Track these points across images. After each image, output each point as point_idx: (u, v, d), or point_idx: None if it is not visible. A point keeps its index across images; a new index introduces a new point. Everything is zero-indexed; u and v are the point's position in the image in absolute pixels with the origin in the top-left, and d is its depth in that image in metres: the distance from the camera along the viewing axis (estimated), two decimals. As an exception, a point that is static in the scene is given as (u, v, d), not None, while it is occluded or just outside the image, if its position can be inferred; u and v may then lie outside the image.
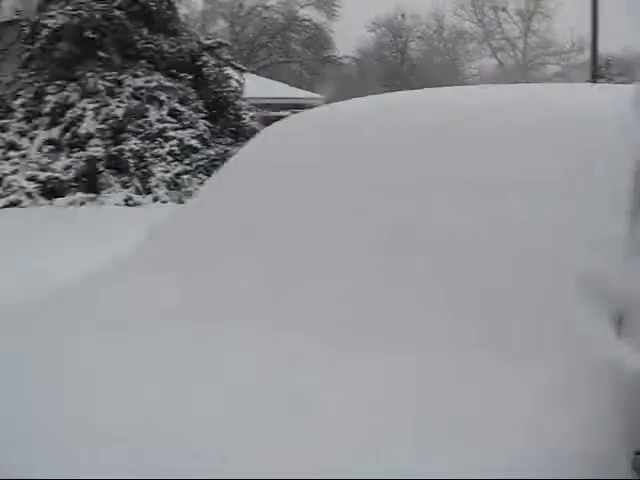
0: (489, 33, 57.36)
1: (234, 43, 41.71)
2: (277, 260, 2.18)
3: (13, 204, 14.19)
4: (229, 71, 19.01)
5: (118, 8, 17.52)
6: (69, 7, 16.84)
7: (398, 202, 2.14)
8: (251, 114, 18.53)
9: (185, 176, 14.80)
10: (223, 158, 15.79)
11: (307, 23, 46.55)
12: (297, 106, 25.70)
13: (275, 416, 1.48)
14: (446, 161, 2.22)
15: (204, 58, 17.92)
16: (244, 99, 19.00)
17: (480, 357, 1.60)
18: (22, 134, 15.84)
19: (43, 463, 1.46)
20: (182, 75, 17.52)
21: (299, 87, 34.58)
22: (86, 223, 11.41)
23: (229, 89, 18.36)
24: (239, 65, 20.12)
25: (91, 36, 16.78)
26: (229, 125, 17.92)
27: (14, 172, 14.90)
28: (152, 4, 18.02)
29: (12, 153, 15.45)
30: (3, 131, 15.96)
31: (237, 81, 19.08)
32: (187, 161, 15.23)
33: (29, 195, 14.38)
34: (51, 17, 16.80)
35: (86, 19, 16.48)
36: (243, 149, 3.22)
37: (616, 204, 1.89)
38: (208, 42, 18.70)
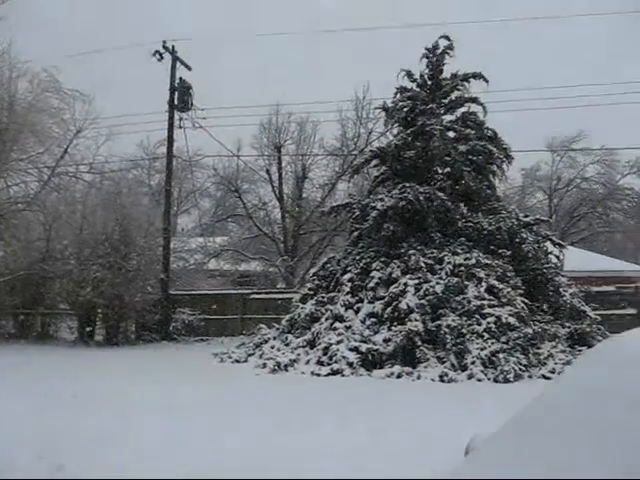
0: None
1: (552, 215, 41.50)
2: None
3: (335, 372, 15.03)
4: (548, 246, 18.79)
5: (440, 189, 18.57)
6: (396, 191, 18.24)
7: None
8: (571, 291, 17.83)
9: (501, 355, 14.46)
10: (541, 337, 15.36)
11: (629, 192, 44.86)
12: (620, 280, 24.32)
13: None
14: None
15: (523, 235, 17.93)
16: (563, 275, 18.47)
17: None
18: (348, 307, 16.98)
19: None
20: (500, 251, 17.68)
21: (623, 259, 32.87)
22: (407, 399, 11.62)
23: (548, 265, 18.03)
24: (558, 241, 19.82)
25: (415, 217, 17.92)
26: (548, 302, 17.43)
27: (339, 342, 15.89)
28: (472, 184, 18.78)
29: (338, 324, 16.58)
30: (332, 303, 17.29)
31: (557, 257, 18.74)
32: (504, 339, 14.90)
33: (350, 365, 15.14)
34: (380, 200, 18.28)
35: (410, 201, 17.65)
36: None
37: None
38: (527, 219, 18.75)
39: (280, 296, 23.59)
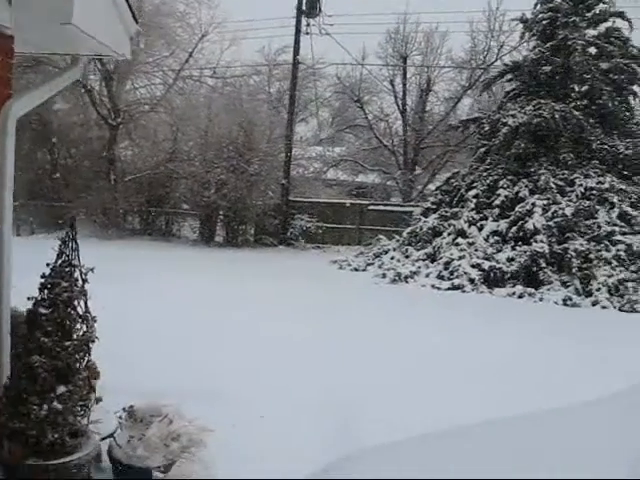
0: None
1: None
2: None
3: (456, 287, 15.10)
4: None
5: (576, 108, 17.75)
6: (530, 107, 17.60)
7: None
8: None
9: (630, 284, 14.05)
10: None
11: None
12: None
13: None
14: None
15: (662, 161, 17.04)
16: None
17: None
18: (471, 223, 16.83)
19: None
20: (636, 178, 16.90)
21: None
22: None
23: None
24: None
25: (547, 135, 17.29)
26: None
27: (460, 257, 15.88)
28: (610, 105, 17.87)
29: (460, 240, 16.51)
30: (455, 219, 17.18)
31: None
32: (633, 268, 14.46)
33: (472, 281, 15.14)
34: (512, 116, 17.71)
35: (545, 119, 17.00)
36: None
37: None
38: (667, 145, 17.73)
39: (398, 209, 23.63)
